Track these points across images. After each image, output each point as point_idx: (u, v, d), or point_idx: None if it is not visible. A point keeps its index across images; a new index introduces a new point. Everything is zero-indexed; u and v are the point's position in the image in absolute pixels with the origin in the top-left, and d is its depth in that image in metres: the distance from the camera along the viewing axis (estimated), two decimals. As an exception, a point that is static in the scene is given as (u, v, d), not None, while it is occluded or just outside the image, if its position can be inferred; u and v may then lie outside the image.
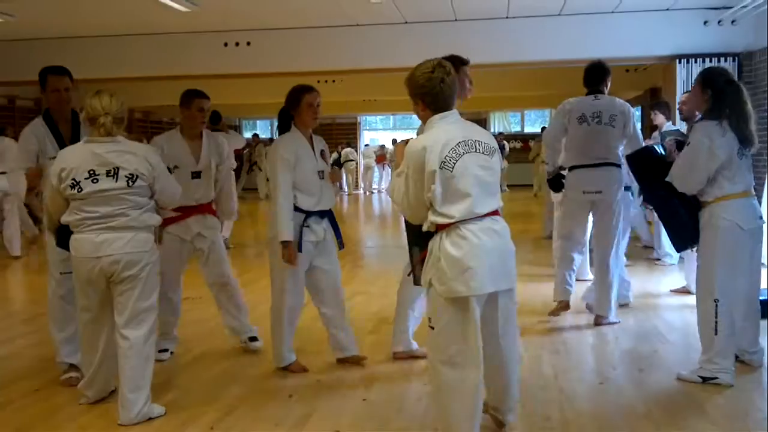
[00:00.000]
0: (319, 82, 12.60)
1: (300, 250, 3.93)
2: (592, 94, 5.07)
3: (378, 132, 24.14)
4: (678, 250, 4.66)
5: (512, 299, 3.00)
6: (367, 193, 20.99)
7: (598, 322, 5.08)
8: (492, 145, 2.93)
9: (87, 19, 8.09)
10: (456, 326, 2.81)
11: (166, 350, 4.40)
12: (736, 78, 3.89)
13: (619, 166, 5.06)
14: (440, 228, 2.82)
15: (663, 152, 4.27)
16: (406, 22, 8.37)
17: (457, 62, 3.59)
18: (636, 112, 11.62)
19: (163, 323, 4.23)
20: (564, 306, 5.31)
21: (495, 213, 2.89)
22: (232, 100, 13.87)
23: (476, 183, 2.81)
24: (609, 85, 5.15)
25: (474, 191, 2.79)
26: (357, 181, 21.50)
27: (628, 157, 4.39)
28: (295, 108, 4.00)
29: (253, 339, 4.58)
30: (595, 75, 5.07)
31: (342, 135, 21.63)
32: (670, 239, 4.49)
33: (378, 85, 13.29)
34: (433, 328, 2.87)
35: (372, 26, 8.48)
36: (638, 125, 5.13)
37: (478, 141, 2.86)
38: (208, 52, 8.78)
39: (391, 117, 23.65)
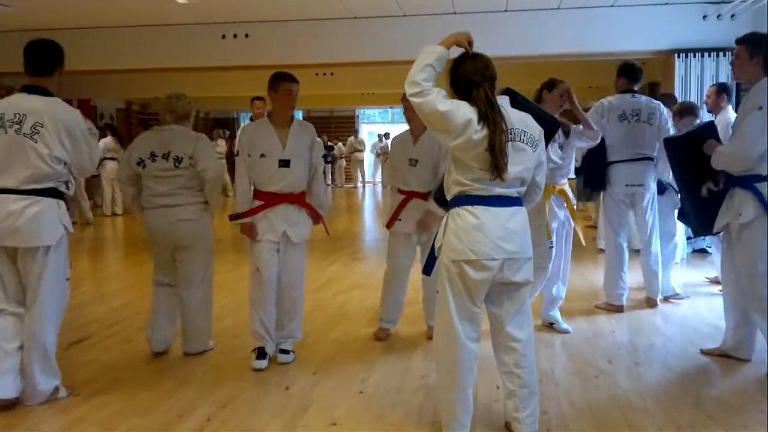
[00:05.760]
0: (317, 74, 12.56)
1: None
2: (629, 93, 5.33)
3: (376, 125, 24.08)
4: (701, 234, 4.78)
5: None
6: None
7: (651, 304, 5.42)
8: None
9: (83, 10, 8.06)
10: None
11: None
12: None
13: (653, 159, 5.32)
14: None
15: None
16: (404, 15, 8.35)
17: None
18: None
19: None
20: (618, 309, 5.35)
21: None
22: (229, 92, 13.76)
23: None
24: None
25: None
26: (364, 174, 21.21)
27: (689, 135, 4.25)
28: None
29: (284, 352, 4.22)
30: (632, 74, 5.32)
31: (340, 128, 21.60)
32: (696, 223, 4.40)
33: (376, 78, 13.21)
34: None
35: (370, 19, 8.46)
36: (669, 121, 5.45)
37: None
38: (206, 44, 8.75)
39: (390, 110, 23.59)
